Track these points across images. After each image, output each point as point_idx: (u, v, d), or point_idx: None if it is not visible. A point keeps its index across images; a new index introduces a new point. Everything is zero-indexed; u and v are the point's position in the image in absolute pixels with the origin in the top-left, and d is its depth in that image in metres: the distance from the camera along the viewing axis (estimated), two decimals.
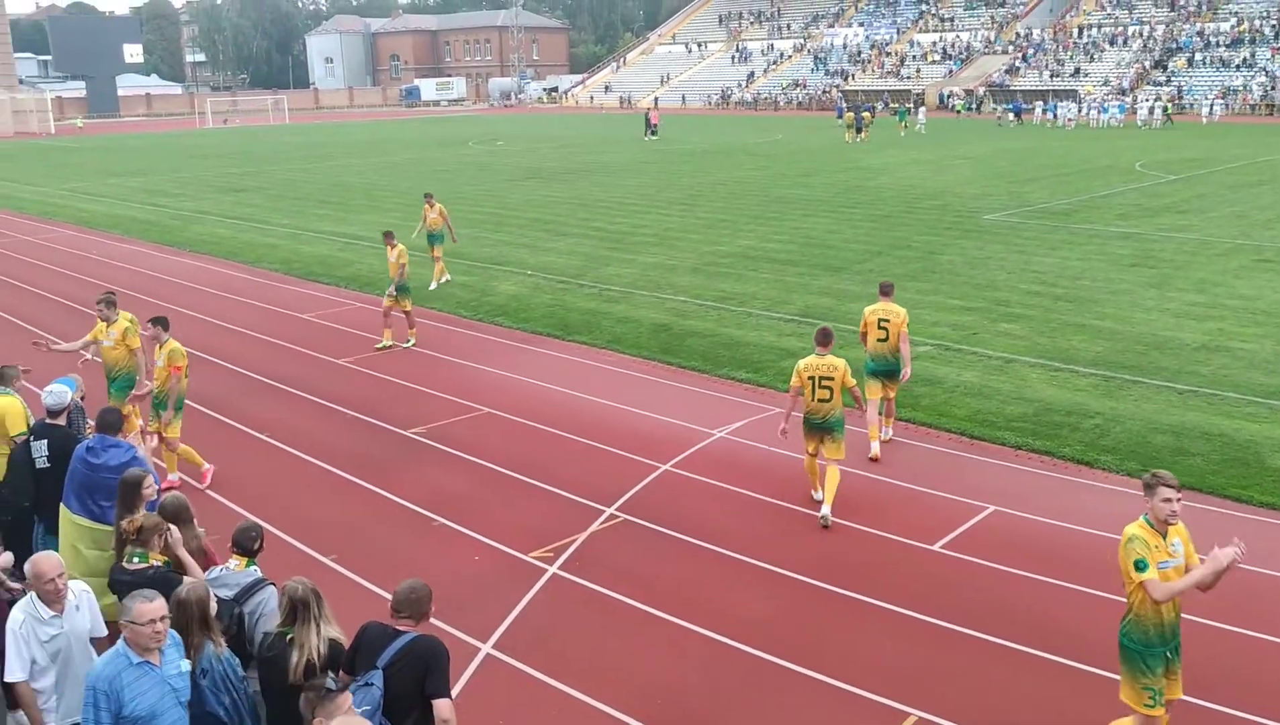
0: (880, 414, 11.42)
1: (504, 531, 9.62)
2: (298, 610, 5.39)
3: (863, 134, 54.70)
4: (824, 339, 9.93)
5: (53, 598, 5.60)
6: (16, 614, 5.62)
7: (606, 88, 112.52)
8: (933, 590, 8.42)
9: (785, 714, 6.92)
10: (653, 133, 59.44)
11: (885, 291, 11.71)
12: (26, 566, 5.73)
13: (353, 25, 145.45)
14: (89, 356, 11.69)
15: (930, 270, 20.16)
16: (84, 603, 5.86)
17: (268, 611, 5.95)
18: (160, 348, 10.61)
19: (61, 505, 7.46)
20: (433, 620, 5.56)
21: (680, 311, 17.69)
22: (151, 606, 4.98)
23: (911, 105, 70.98)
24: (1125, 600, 5.91)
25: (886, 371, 11.31)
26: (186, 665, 5.20)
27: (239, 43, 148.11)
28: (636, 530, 9.63)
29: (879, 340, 11.32)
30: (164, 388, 10.59)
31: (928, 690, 7.08)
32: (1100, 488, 10.39)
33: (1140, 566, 5.67)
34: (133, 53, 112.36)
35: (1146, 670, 5.89)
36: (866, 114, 58.39)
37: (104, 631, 6.04)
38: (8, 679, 5.59)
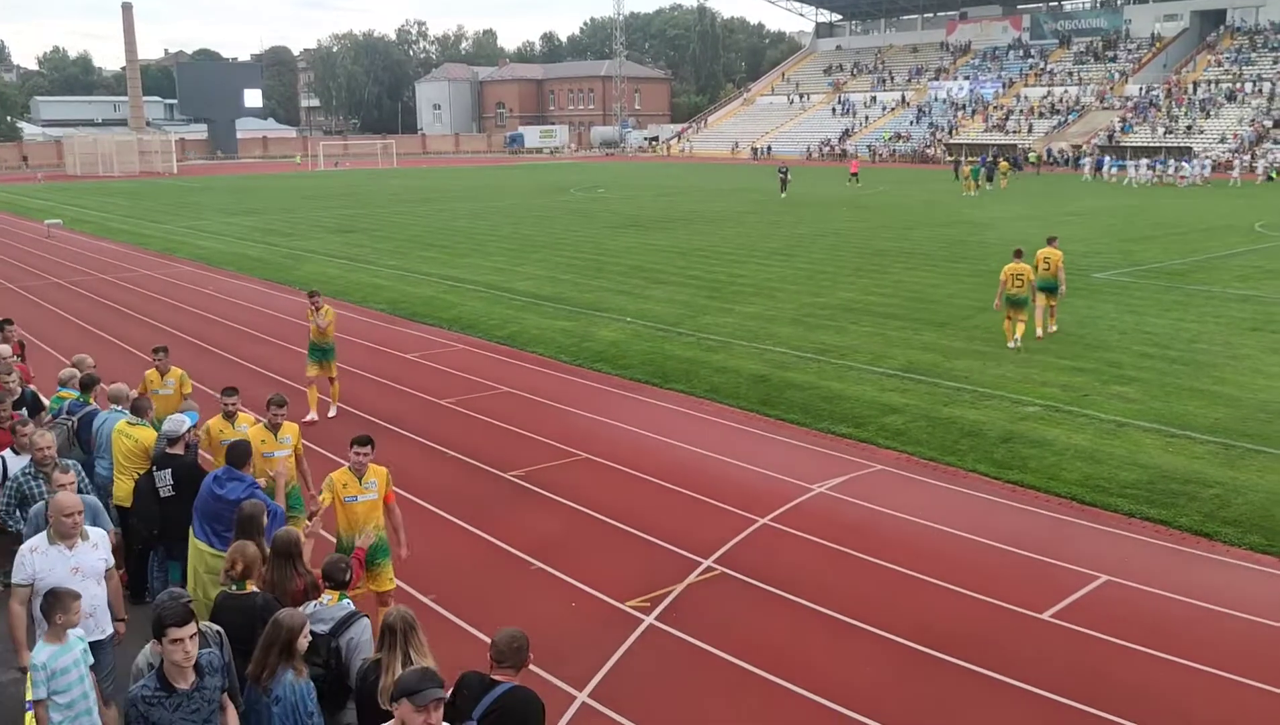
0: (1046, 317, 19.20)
1: (600, 579, 9.59)
2: (385, 638, 5.55)
3: (991, 184, 55.71)
4: (1019, 254, 18.56)
5: None
6: None
7: (677, 136, 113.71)
8: (1042, 661, 8.10)
9: None
10: (854, 179, 59.48)
11: (1050, 241, 19.82)
12: None
13: (461, 73, 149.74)
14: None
15: None
16: None
17: (363, 642, 6.11)
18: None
19: (190, 532, 7.72)
20: (530, 667, 5.54)
21: (779, 363, 17.56)
22: None
23: (991, 160, 65.66)
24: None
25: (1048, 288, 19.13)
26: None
27: (352, 89, 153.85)
28: (734, 584, 9.50)
29: (1044, 270, 18.98)
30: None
31: None
32: (1220, 561, 9.92)
33: None
34: (252, 97, 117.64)
35: None
36: (1005, 162, 60.54)
37: None
38: None
